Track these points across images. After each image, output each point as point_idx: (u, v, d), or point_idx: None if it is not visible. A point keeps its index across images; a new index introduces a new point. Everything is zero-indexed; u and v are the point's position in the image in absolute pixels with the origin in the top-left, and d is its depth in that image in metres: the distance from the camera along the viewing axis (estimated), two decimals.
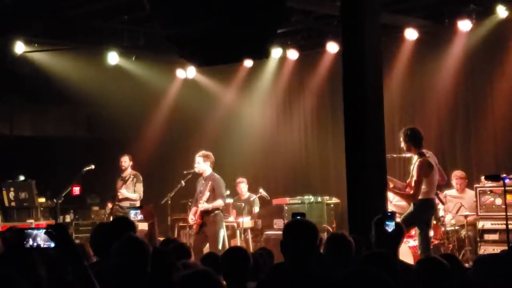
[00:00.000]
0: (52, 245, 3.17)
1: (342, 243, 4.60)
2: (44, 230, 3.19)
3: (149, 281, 3.57)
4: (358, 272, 2.72)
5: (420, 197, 7.91)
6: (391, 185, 7.95)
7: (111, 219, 10.67)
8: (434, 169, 8.00)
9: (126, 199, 10.99)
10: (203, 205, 9.73)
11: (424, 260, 4.13)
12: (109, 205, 11.20)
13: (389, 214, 5.21)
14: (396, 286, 3.17)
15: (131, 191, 11.07)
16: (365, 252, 3.68)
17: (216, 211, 9.80)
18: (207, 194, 9.74)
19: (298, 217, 4.29)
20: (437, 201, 8.50)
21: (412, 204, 8.01)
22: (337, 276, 2.70)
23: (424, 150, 8.10)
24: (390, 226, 5.01)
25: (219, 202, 9.77)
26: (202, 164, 9.86)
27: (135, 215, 5.70)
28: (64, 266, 3.64)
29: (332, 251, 4.57)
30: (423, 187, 7.92)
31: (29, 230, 3.24)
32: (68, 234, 3.24)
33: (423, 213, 7.96)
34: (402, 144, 8.13)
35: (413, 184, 7.89)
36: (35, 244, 3.20)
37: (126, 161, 11.24)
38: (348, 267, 3.94)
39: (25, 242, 3.20)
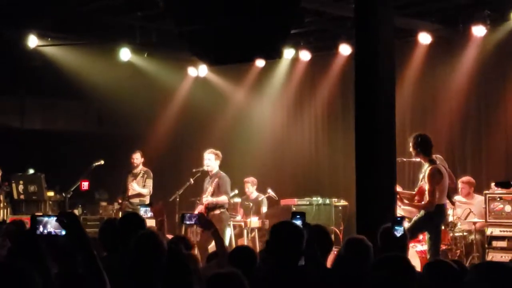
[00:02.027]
0: (63, 232, 3.19)
1: (361, 247, 4.59)
2: (54, 218, 3.21)
3: (164, 277, 3.59)
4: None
5: None
6: (404, 201, 7.96)
7: (120, 214, 10.69)
8: (444, 175, 7.96)
9: (137, 195, 10.99)
10: (207, 199, 9.77)
11: (432, 264, 4.11)
12: (119, 201, 11.20)
13: (399, 219, 5.16)
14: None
15: (141, 187, 11.09)
16: (381, 256, 3.67)
17: (222, 209, 9.82)
18: (210, 189, 9.78)
19: (299, 219, 4.34)
20: (448, 205, 8.44)
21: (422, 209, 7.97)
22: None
23: (434, 156, 8.06)
24: (399, 231, 4.98)
25: (222, 198, 9.79)
26: (213, 162, 9.89)
27: (145, 212, 5.72)
28: (74, 257, 3.65)
29: (351, 253, 4.58)
30: None
31: (40, 217, 3.26)
32: (79, 223, 3.25)
33: (434, 218, 7.91)
34: (411, 149, 8.09)
35: (426, 193, 7.83)
36: (45, 231, 3.21)
37: (138, 158, 11.24)
38: (365, 270, 3.97)
39: (36, 229, 3.22)
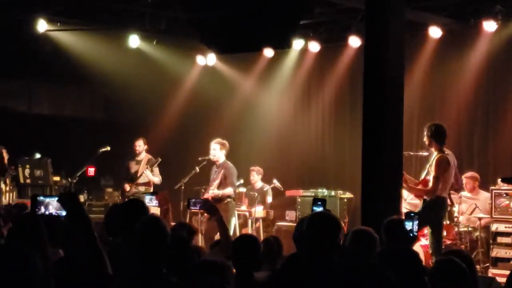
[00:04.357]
0: (64, 213, 3.17)
1: (367, 238, 4.58)
2: (56, 198, 3.20)
3: (166, 262, 3.60)
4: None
5: None
6: (408, 183, 7.89)
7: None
8: (451, 167, 7.92)
9: (145, 183, 10.84)
10: (213, 191, 9.76)
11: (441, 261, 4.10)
12: (127, 187, 10.98)
13: (412, 214, 5.12)
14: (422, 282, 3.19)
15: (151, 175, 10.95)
16: (390, 247, 3.64)
17: (228, 199, 9.80)
18: (217, 181, 9.77)
19: (320, 205, 4.32)
20: (448, 202, 8.41)
21: (422, 202, 7.93)
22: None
23: (445, 149, 8.02)
24: (411, 227, 4.96)
25: (228, 190, 9.77)
26: (218, 152, 9.86)
27: (150, 201, 5.72)
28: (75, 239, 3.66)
29: (356, 244, 4.57)
30: None
31: (41, 198, 3.25)
32: (80, 203, 3.24)
33: (435, 212, 7.87)
34: (425, 139, 8.03)
35: (431, 178, 7.79)
36: (47, 212, 3.21)
37: (140, 145, 11.15)
38: (371, 261, 3.95)
39: (37, 210, 3.21)
